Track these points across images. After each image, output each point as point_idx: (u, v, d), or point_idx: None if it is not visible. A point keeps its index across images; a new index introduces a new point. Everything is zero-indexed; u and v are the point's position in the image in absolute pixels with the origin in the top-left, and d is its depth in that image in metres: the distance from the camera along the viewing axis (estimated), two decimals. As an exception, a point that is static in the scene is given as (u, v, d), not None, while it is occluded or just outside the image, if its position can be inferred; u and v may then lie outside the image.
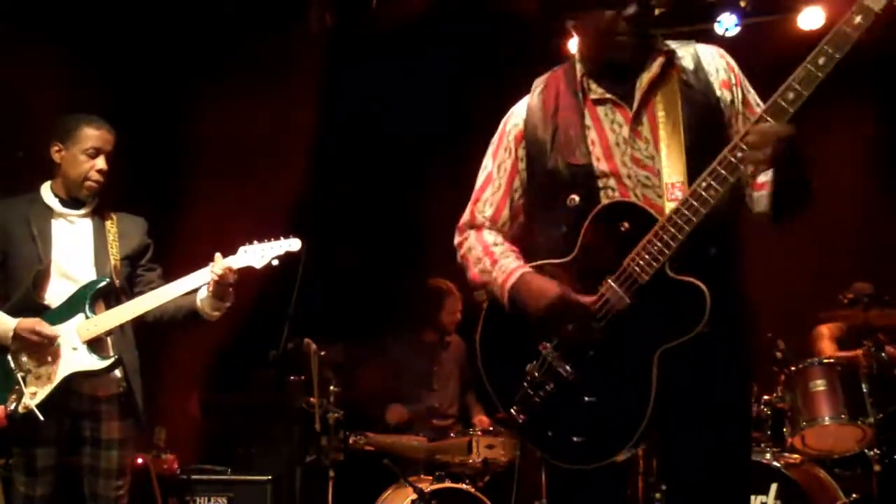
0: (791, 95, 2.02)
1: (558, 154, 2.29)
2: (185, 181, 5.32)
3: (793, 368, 4.46)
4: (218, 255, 3.22)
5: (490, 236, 2.43)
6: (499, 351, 2.34)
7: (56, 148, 3.33)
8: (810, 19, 5.44)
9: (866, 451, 4.34)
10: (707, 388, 2.16)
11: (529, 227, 2.44)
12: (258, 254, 3.25)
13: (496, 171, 2.45)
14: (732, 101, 2.27)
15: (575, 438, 2.18)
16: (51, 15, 4.77)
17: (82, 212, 3.36)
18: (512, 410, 2.26)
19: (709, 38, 5.52)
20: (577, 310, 2.17)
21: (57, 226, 3.32)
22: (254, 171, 5.42)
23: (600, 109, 2.30)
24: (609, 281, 2.15)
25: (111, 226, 3.38)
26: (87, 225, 3.36)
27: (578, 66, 2.35)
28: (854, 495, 4.30)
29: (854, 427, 4.27)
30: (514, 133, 2.43)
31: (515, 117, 2.45)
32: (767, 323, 4.77)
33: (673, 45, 2.31)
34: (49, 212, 3.32)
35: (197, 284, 3.25)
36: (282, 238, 3.28)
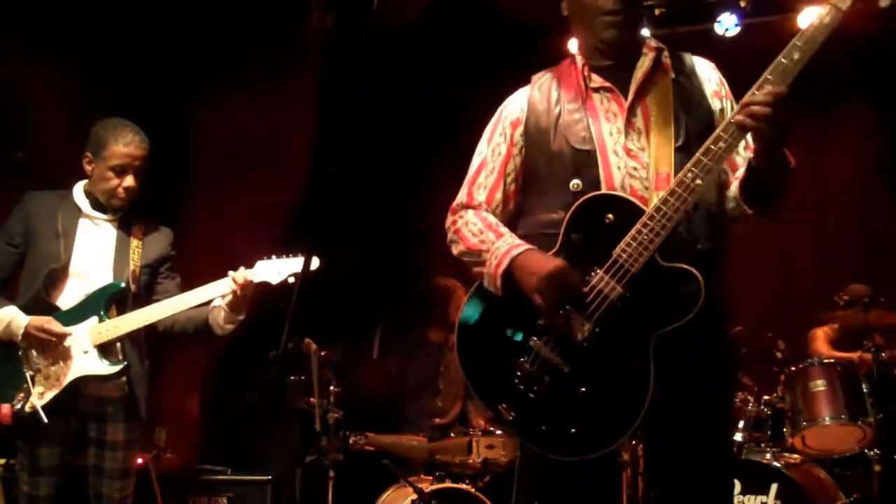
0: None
1: (563, 138, 2.31)
2: (184, 184, 5.31)
3: (793, 368, 4.47)
4: (242, 269, 3.22)
5: (491, 217, 2.40)
6: (482, 349, 2.32)
7: (87, 159, 3.32)
8: (810, 19, 5.43)
9: (866, 451, 4.35)
10: (690, 378, 2.18)
11: (523, 214, 2.42)
12: (275, 269, 3.26)
13: (490, 154, 2.45)
14: (721, 111, 2.33)
15: (572, 430, 2.18)
16: (51, 17, 4.77)
17: (110, 216, 3.35)
18: (500, 407, 2.26)
19: (709, 38, 5.53)
20: (577, 287, 2.16)
21: (82, 225, 3.31)
22: (254, 171, 5.41)
23: (597, 97, 2.33)
24: (599, 272, 2.16)
25: (137, 232, 3.36)
26: (112, 229, 3.34)
27: (579, 58, 2.39)
28: (854, 495, 4.32)
29: (854, 427, 4.27)
30: (510, 119, 2.44)
31: (513, 105, 2.46)
32: (767, 323, 4.78)
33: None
34: (77, 211, 3.31)
35: (213, 295, 3.23)
36: (294, 254, 3.27)
